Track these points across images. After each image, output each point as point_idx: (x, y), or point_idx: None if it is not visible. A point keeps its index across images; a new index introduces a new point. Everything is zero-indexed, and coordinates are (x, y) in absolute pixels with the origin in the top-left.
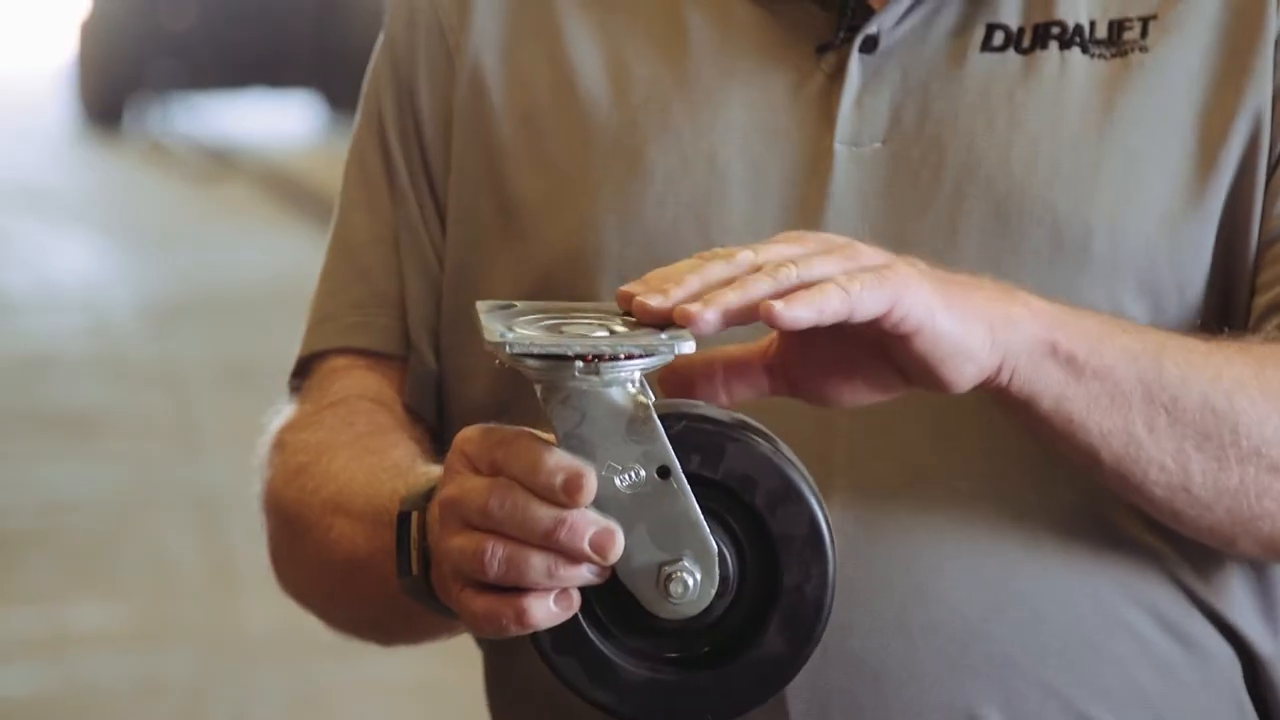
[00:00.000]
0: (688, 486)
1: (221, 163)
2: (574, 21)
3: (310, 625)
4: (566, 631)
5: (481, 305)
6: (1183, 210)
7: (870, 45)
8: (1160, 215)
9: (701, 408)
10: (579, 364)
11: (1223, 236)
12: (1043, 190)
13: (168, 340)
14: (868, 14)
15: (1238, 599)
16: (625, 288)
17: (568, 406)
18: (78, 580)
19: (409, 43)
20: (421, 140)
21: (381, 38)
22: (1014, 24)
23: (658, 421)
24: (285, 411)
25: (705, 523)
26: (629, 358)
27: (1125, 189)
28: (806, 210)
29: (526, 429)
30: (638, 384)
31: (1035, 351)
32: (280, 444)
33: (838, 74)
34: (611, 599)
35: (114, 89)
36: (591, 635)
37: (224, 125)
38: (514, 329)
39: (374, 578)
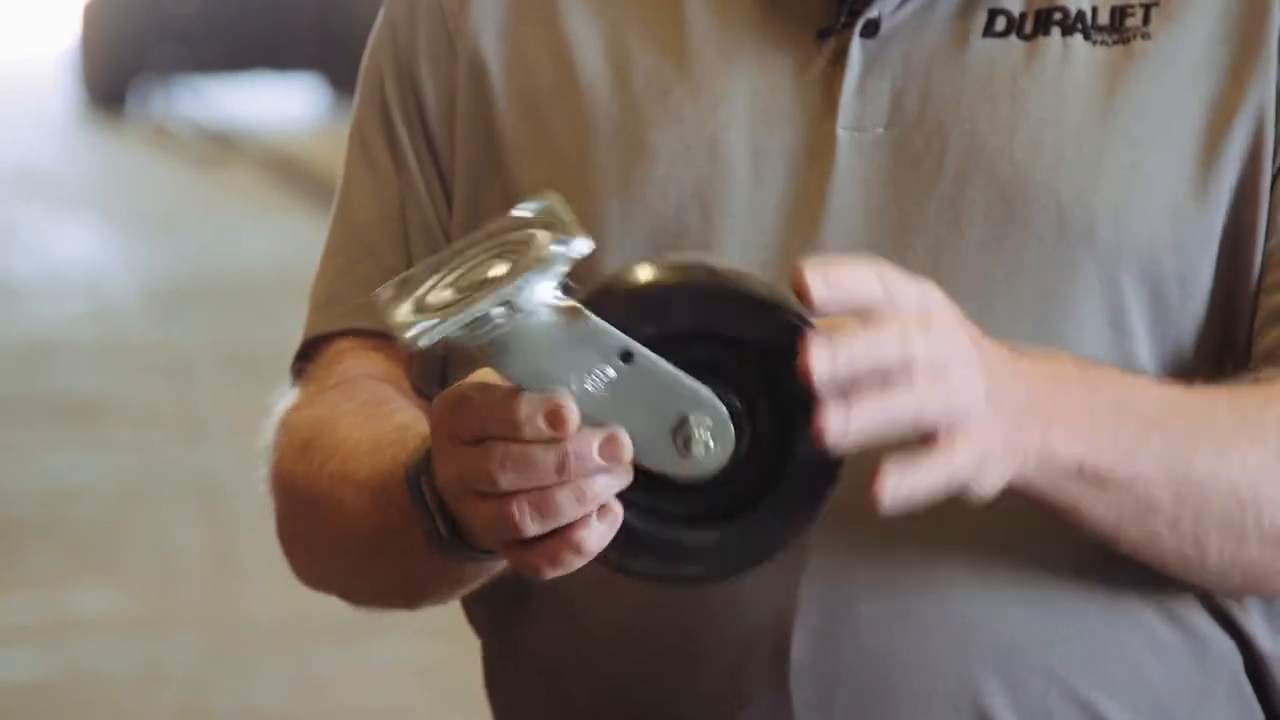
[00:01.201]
0: (653, 355)
1: (225, 146)
2: (573, 5)
3: (313, 611)
4: (625, 539)
5: (380, 294)
6: (1186, 200)
7: (871, 30)
8: (1164, 204)
9: (624, 274)
10: (494, 311)
11: (1228, 231)
12: (1046, 177)
13: (171, 326)
14: None
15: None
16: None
17: (508, 352)
18: (81, 567)
19: (409, 26)
20: (425, 122)
21: (380, 19)
22: (1016, 9)
23: (593, 316)
24: (289, 394)
25: (685, 375)
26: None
27: (1129, 177)
28: (809, 196)
29: (485, 382)
30: (556, 295)
31: (1059, 476)
32: (284, 425)
33: (839, 59)
34: (645, 483)
35: (117, 73)
36: (649, 529)
37: (227, 109)
38: (423, 310)
39: (395, 540)
